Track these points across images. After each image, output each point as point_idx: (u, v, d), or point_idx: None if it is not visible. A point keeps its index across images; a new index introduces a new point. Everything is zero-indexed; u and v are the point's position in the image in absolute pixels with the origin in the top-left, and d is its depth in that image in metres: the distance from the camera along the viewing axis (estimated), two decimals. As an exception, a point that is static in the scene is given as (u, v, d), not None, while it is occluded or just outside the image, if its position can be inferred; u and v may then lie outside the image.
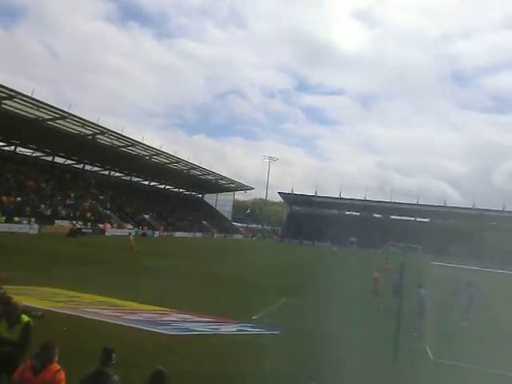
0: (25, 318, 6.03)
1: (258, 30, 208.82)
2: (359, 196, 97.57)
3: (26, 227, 38.21)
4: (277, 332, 12.09)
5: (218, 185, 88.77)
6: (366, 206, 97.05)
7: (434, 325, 12.01)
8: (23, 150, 53.36)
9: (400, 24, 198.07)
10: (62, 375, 4.73)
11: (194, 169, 73.12)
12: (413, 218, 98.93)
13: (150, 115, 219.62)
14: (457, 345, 12.61)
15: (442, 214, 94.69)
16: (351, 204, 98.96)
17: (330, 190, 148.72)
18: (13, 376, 4.78)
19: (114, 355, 5.04)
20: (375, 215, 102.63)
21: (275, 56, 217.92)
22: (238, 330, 11.86)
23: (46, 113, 42.88)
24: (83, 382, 4.84)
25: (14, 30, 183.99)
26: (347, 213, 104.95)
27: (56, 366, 4.77)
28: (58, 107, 42.51)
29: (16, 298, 10.86)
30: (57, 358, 4.87)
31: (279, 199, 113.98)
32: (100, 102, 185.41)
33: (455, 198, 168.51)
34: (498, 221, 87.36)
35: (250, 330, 12.05)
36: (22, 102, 39.64)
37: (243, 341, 10.93)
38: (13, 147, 51.72)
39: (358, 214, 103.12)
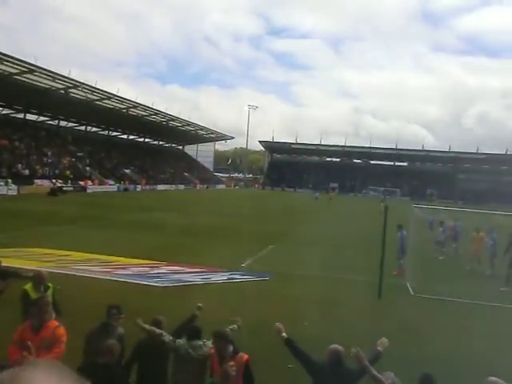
0: (50, 284, 6.42)
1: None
2: (339, 142, 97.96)
3: (4, 189, 37.17)
4: (266, 278, 12.51)
5: (198, 136, 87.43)
6: (346, 152, 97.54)
7: (414, 263, 12.61)
8: (-10, 107, 51.08)
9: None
10: (62, 330, 4.77)
11: (173, 120, 71.49)
12: (392, 163, 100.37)
13: (120, 65, 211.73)
14: (434, 280, 13.38)
15: (419, 158, 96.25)
16: (331, 150, 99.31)
17: (309, 136, 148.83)
18: (13, 337, 4.72)
19: (116, 310, 5.24)
20: (355, 161, 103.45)
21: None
22: (229, 279, 12.22)
23: (10, 66, 40.21)
24: (90, 336, 5.02)
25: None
26: (328, 159, 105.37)
27: (54, 323, 4.81)
28: (24, 59, 40.11)
29: (4, 261, 10.95)
30: (53, 316, 4.93)
31: (260, 148, 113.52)
32: (64, 53, 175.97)
33: (431, 142, 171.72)
34: (472, 163, 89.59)
35: (240, 277, 12.43)
36: (-19, 56, 37.17)
37: (234, 288, 11.31)
38: (-20, 105, 49.41)
39: (338, 160, 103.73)
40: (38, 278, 6.32)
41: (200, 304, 5.64)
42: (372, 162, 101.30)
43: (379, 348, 4.61)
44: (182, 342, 4.79)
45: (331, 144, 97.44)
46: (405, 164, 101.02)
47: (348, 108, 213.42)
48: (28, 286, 6.22)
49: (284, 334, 4.79)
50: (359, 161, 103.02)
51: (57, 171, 47.51)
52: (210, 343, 4.84)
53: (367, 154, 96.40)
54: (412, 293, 11.73)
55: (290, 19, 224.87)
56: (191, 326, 5.13)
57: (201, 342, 4.83)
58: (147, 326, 4.89)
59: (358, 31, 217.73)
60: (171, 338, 4.81)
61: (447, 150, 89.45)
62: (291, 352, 4.77)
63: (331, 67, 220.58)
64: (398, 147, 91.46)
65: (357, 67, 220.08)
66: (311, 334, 7.62)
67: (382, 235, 11.22)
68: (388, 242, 11.47)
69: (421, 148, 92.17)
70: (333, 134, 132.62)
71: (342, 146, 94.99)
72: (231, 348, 4.64)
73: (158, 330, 4.85)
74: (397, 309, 10.53)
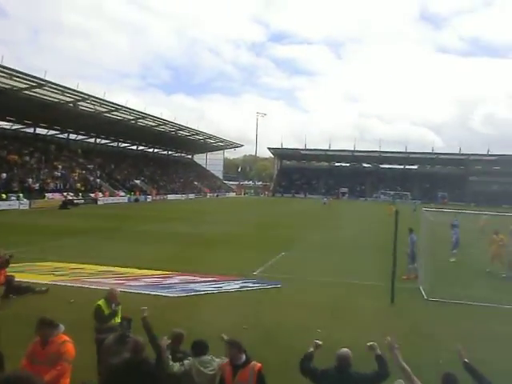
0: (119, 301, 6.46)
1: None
2: (347, 147, 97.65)
3: (16, 203, 37.48)
4: (278, 285, 12.46)
5: (207, 144, 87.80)
6: (355, 157, 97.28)
7: (426, 266, 12.47)
8: (1, 123, 51.41)
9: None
10: (68, 346, 4.77)
11: (182, 130, 71.90)
12: (402, 166, 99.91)
13: (125, 76, 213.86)
14: (448, 283, 13.25)
15: (429, 161, 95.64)
16: (340, 155, 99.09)
17: (318, 142, 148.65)
18: (27, 351, 4.87)
19: (127, 322, 5.27)
20: (365, 165, 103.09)
21: (244, 6, 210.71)
22: (241, 287, 12.20)
23: (20, 81, 40.49)
24: (105, 348, 5.04)
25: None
26: (337, 164, 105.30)
27: (61, 338, 4.82)
28: (33, 75, 40.30)
29: (17, 276, 11.03)
30: (61, 330, 4.89)
31: (269, 155, 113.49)
32: (68, 66, 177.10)
33: (439, 145, 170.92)
34: (483, 165, 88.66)
35: (252, 285, 12.40)
36: (-10, 72, 37.50)
37: (247, 296, 11.28)
38: (-10, 121, 50.04)
39: (347, 164, 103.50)
40: (109, 296, 6.38)
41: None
42: (382, 165, 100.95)
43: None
44: (190, 361, 4.68)
45: (340, 149, 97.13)
46: (415, 167, 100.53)
47: (354, 112, 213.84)
48: (101, 302, 6.31)
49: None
50: (369, 165, 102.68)
51: (68, 184, 47.99)
52: (216, 358, 4.80)
53: (377, 158, 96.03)
54: (425, 297, 11.60)
55: (291, 25, 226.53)
56: (197, 341, 4.92)
57: (209, 357, 4.76)
58: (163, 342, 4.77)
59: (359, 34, 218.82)
60: (177, 363, 4.64)
61: (457, 152, 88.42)
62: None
63: (334, 72, 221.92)
64: (408, 150, 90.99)
65: (359, 71, 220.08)
66: (324, 340, 7.54)
67: (392, 239, 11.11)
68: (399, 245, 11.39)
69: (430, 151, 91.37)
70: (341, 139, 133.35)
71: (352, 151, 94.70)
72: (244, 357, 4.61)
73: (168, 357, 4.69)
74: (410, 313, 10.41)
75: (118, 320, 6.13)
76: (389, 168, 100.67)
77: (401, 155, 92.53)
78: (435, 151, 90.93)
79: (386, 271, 12.06)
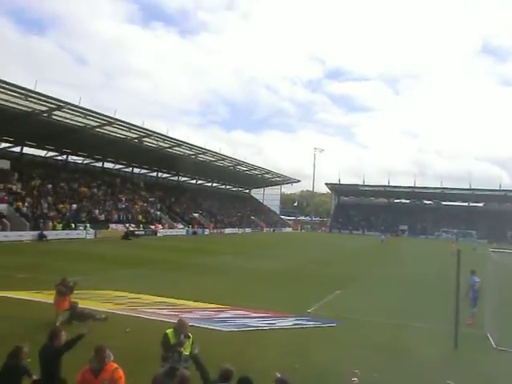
0: (191, 334, 6.38)
1: (281, 18, 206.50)
2: (406, 182, 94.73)
3: (83, 233, 39.86)
4: (333, 324, 12.08)
5: (264, 179, 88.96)
6: (415, 193, 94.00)
7: (496, 312, 11.52)
8: (74, 158, 55.70)
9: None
10: (120, 373, 4.96)
11: (240, 165, 73.61)
12: (466, 204, 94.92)
13: (186, 114, 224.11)
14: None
15: (496, 198, 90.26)
16: (400, 191, 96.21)
17: (376, 177, 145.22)
18: (77, 380, 5.02)
19: (182, 355, 5.36)
20: (426, 202, 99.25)
21: (301, 44, 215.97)
22: (294, 324, 11.96)
23: (93, 120, 44.12)
24: (155, 381, 5.14)
25: (42, 39, 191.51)
26: (396, 201, 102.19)
27: (113, 366, 5.01)
28: (104, 113, 43.70)
29: (80, 303, 11.58)
30: (111, 357, 5.08)
31: (326, 190, 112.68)
32: (136, 106, 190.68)
33: (506, 181, 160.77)
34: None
35: (305, 323, 12.13)
36: (70, 112, 40.93)
37: (300, 334, 11.03)
38: (64, 156, 54.04)
39: (407, 201, 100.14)
40: (178, 326, 6.35)
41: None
42: (444, 202, 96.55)
43: None
44: None
45: (399, 185, 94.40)
46: (480, 205, 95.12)
47: (413, 147, 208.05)
48: (169, 331, 6.29)
49: None
50: (430, 202, 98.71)
51: (130, 216, 50.27)
52: None
53: (438, 194, 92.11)
54: (494, 345, 10.69)
55: (346, 62, 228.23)
56: (242, 377, 4.87)
57: None
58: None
59: (416, 70, 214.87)
60: None
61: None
62: None
63: (391, 107, 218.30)
64: (472, 187, 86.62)
65: (418, 106, 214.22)
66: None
67: (455, 280, 10.48)
68: (462, 286, 10.72)
69: (498, 187, 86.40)
70: (400, 175, 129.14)
71: (411, 187, 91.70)
72: None
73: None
74: (476, 361, 9.59)
75: (185, 352, 6.03)
76: (451, 205, 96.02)
77: (465, 192, 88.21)
78: (503, 188, 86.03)
79: (447, 314, 11.34)
